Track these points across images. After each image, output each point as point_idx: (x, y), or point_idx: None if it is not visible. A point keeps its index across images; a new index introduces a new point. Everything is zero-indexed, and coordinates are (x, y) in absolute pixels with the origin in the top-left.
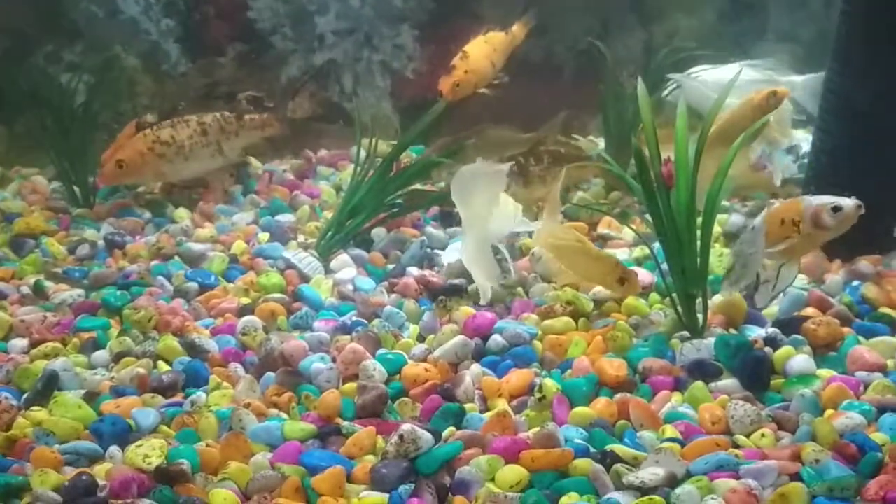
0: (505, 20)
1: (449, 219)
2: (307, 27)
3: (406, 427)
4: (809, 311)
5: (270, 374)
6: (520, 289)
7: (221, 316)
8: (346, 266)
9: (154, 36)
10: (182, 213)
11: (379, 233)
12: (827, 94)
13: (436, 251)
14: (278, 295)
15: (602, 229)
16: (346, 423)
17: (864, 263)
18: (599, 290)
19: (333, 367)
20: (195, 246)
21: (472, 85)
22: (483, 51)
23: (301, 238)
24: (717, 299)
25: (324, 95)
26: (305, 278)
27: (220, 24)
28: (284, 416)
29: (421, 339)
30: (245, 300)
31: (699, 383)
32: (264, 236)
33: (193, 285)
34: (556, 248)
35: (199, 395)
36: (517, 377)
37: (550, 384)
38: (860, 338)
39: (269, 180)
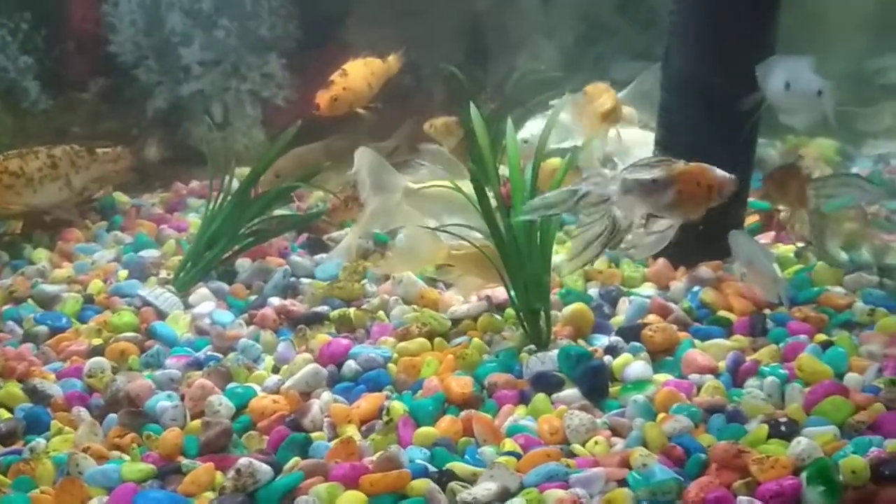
0: (372, 48)
1: (317, 246)
2: (172, 59)
3: (243, 461)
4: (651, 317)
5: (114, 416)
6: (381, 312)
7: (70, 359)
8: (205, 300)
9: (12, 73)
10: (41, 254)
11: (243, 263)
12: (664, 77)
13: (301, 279)
14: (131, 334)
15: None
16: (186, 461)
17: (705, 269)
18: (456, 308)
19: (179, 405)
20: (48, 287)
21: (349, 103)
22: (362, 72)
23: (163, 273)
24: (566, 311)
25: (172, 138)
26: (162, 315)
27: (80, 59)
28: (126, 457)
29: (276, 370)
30: (97, 341)
31: (542, 395)
32: (124, 274)
33: (44, 328)
34: (457, 258)
35: (39, 442)
36: (367, 402)
37: (398, 406)
38: (696, 341)
39: (136, 215)
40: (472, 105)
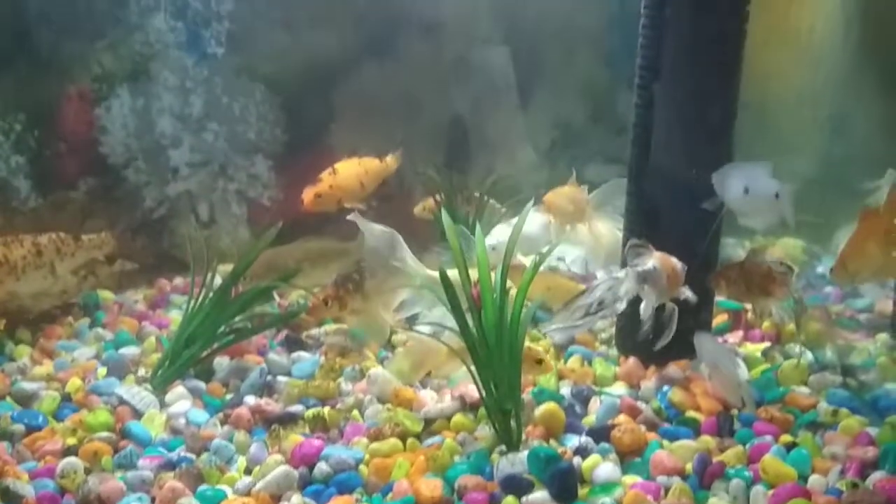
0: (355, 151)
1: (294, 344)
2: (161, 160)
3: None
4: (621, 417)
5: None
6: (355, 412)
7: (44, 458)
8: (181, 398)
9: (3, 172)
10: (22, 351)
11: (221, 362)
12: (628, 183)
13: (278, 377)
14: (105, 433)
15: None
16: None
17: (674, 368)
18: (430, 408)
19: None
20: (27, 385)
21: (336, 200)
22: (354, 170)
23: (142, 371)
24: (538, 411)
25: (148, 243)
26: (138, 414)
27: (72, 159)
28: None
29: (248, 471)
30: (71, 440)
31: (511, 498)
32: (103, 371)
33: (20, 427)
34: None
35: None
36: None
37: None
38: (664, 442)
39: (118, 311)
40: (443, 211)
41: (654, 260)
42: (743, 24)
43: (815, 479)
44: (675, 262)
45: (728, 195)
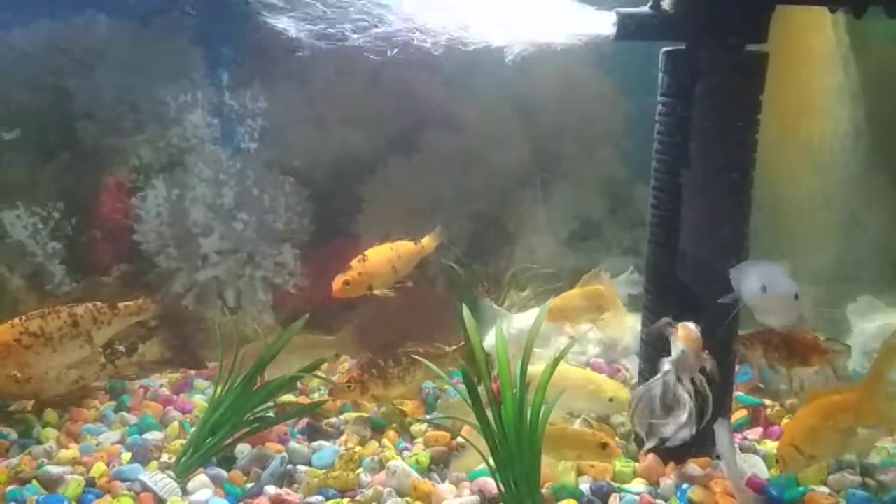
0: (382, 240)
1: (316, 433)
2: (192, 247)
3: None
4: None
5: None
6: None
7: None
8: (203, 487)
9: (40, 258)
10: (49, 433)
11: (243, 449)
12: (646, 279)
13: (298, 466)
14: None
15: (464, 437)
16: None
17: (693, 466)
18: (449, 502)
19: None
20: (53, 469)
21: (365, 286)
22: (385, 256)
23: (165, 457)
24: None
25: (172, 339)
26: (161, 501)
27: (106, 245)
28: None
29: None
30: None
31: None
32: (127, 456)
33: None
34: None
35: None
36: None
37: None
38: None
39: (143, 395)
40: (463, 307)
41: (681, 343)
42: (755, 133)
43: None
44: (692, 327)
45: (746, 292)
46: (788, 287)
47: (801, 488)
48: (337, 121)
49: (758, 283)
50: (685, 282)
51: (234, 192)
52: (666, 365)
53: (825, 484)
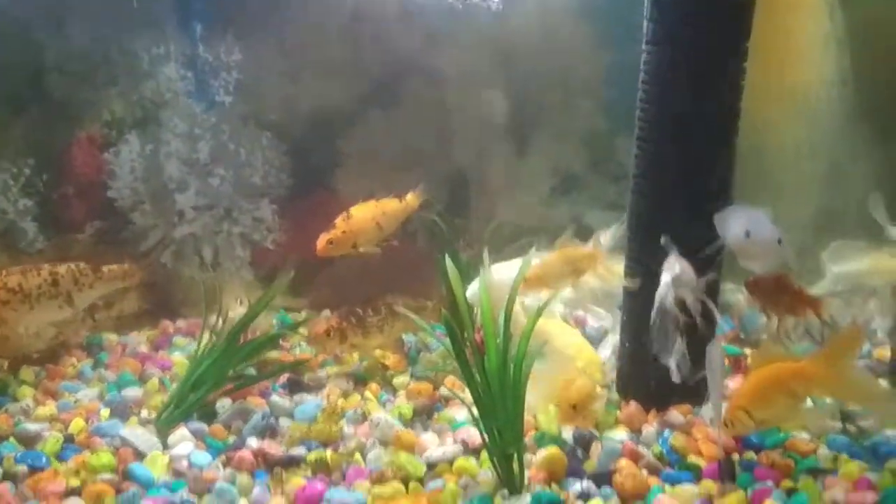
0: (360, 194)
1: (297, 386)
2: (167, 203)
3: None
4: (623, 462)
5: None
6: (357, 455)
7: (46, 499)
8: (184, 440)
9: (11, 215)
10: (25, 391)
11: (224, 404)
12: (628, 229)
13: (280, 420)
14: (108, 475)
15: (444, 390)
16: None
17: (676, 413)
18: (432, 451)
19: None
20: (31, 426)
21: (349, 244)
22: (370, 213)
23: (145, 413)
24: (540, 455)
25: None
26: (141, 455)
27: (79, 202)
28: None
29: None
30: (74, 482)
31: None
32: (106, 412)
33: (23, 467)
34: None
35: None
36: None
37: None
38: (666, 486)
39: (121, 352)
40: (446, 257)
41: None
42: (741, 80)
43: None
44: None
45: (730, 237)
46: (772, 232)
47: (781, 434)
48: (314, 73)
49: (742, 229)
50: (669, 231)
51: (209, 147)
52: (666, 276)
53: (806, 430)
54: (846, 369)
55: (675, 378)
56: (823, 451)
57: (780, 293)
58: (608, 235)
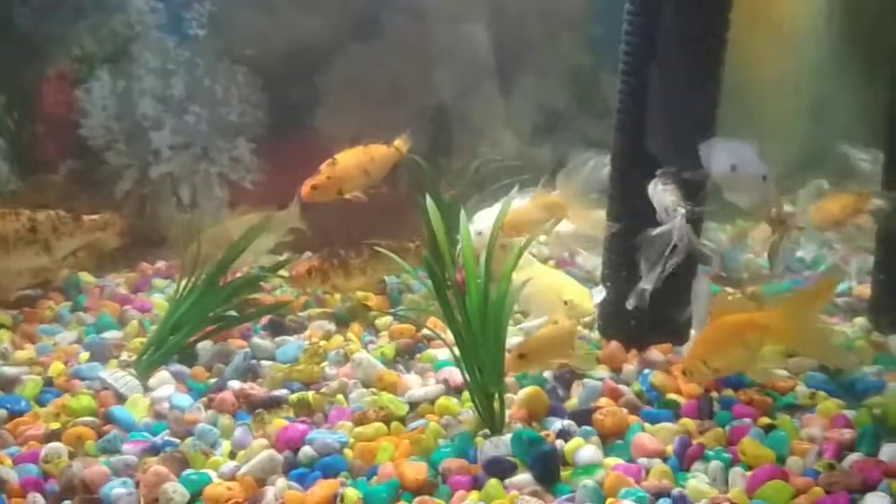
0: (339, 133)
1: (279, 328)
2: (142, 142)
3: None
4: (602, 401)
5: (69, 503)
6: (340, 396)
7: (27, 443)
8: (165, 383)
9: None
10: (3, 335)
11: (205, 346)
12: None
13: (262, 362)
14: (89, 418)
15: (426, 330)
16: None
17: (655, 352)
18: (414, 391)
19: (134, 493)
20: (9, 369)
21: (334, 190)
22: (356, 159)
23: (125, 355)
24: (521, 394)
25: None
26: (121, 398)
27: (51, 141)
28: None
29: (233, 455)
30: (54, 425)
31: (494, 480)
32: (85, 356)
33: (2, 412)
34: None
35: None
36: (322, 488)
37: (352, 493)
38: (645, 425)
39: (99, 295)
40: (427, 196)
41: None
42: (727, 12)
43: (792, 461)
44: None
45: (715, 170)
46: (757, 168)
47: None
48: (290, 5)
49: (728, 162)
50: (652, 167)
51: (183, 84)
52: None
53: (784, 368)
54: (804, 323)
55: (629, 304)
56: (801, 388)
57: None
58: (581, 179)
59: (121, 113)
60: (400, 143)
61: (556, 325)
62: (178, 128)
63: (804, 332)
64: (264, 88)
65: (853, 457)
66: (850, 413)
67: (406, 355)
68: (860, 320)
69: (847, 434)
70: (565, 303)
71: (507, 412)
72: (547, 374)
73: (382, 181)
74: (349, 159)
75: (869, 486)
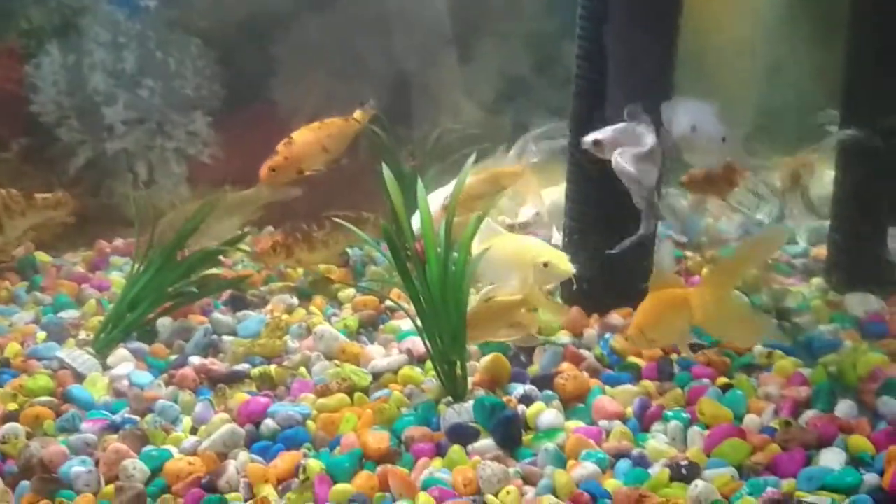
0: (298, 106)
1: (240, 303)
2: (95, 118)
3: None
4: (565, 365)
5: (27, 483)
6: (302, 368)
7: None
8: (124, 361)
9: None
10: None
11: (164, 323)
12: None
13: (223, 337)
14: (46, 398)
15: (390, 301)
16: None
17: (616, 316)
18: (377, 362)
19: (93, 471)
20: None
21: (293, 170)
22: (313, 136)
23: (83, 334)
24: (483, 361)
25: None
26: (80, 377)
27: (1, 118)
28: None
29: (194, 431)
30: (12, 406)
31: (457, 447)
32: (42, 335)
33: None
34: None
35: None
36: (284, 460)
37: (314, 464)
38: (606, 388)
39: (56, 274)
40: (383, 166)
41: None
42: None
43: (749, 419)
44: None
45: (675, 130)
46: (716, 129)
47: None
48: None
49: (688, 123)
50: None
51: (135, 57)
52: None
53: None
54: (721, 303)
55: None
56: (758, 347)
57: (711, 179)
58: (531, 149)
59: (72, 88)
60: (359, 114)
61: (504, 298)
62: (131, 102)
63: (717, 314)
64: (219, 61)
65: (809, 414)
66: (806, 371)
67: (370, 327)
68: (817, 281)
69: (803, 392)
70: (544, 265)
71: (471, 380)
72: (510, 341)
73: (342, 155)
74: (306, 137)
75: (824, 442)
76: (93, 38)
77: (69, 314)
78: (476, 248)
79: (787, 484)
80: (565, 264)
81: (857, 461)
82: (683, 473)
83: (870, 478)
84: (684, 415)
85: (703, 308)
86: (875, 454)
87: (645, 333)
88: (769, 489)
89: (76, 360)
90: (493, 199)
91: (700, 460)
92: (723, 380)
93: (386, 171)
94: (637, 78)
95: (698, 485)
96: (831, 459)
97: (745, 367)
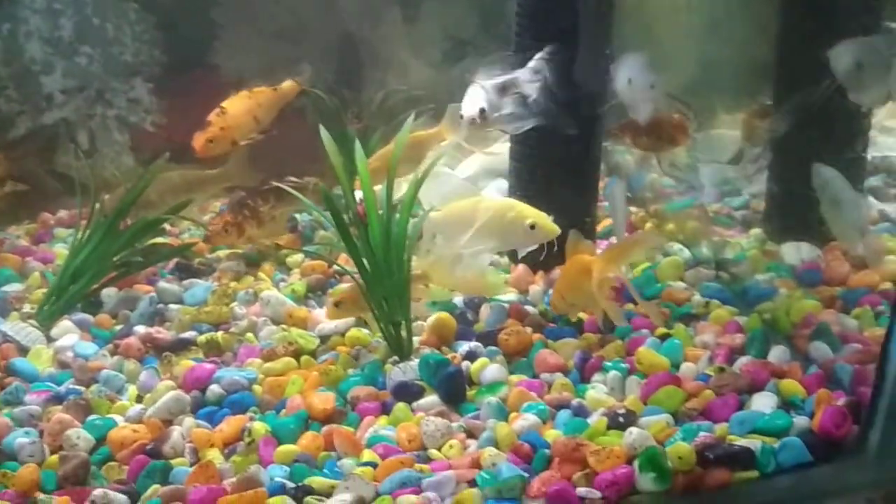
0: (241, 70)
1: (187, 271)
2: (32, 87)
3: (97, 492)
4: (509, 322)
5: None
6: (249, 334)
7: None
8: (68, 332)
9: None
10: None
11: (109, 293)
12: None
13: (169, 306)
14: None
15: (339, 265)
16: (43, 497)
17: (559, 272)
18: (325, 325)
19: (37, 441)
20: None
21: (228, 140)
22: (244, 106)
23: (27, 307)
24: (429, 320)
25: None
26: (24, 350)
27: None
28: None
29: (140, 399)
30: None
31: (402, 404)
32: None
33: None
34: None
35: None
36: (230, 425)
37: (259, 426)
38: (549, 342)
39: None
40: (321, 128)
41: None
42: None
43: (686, 367)
44: None
45: (616, 85)
46: (645, 77)
47: (658, 285)
48: None
49: (624, 77)
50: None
51: (72, 24)
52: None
53: (682, 279)
54: (607, 276)
55: None
56: (696, 297)
57: (653, 131)
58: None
59: (7, 57)
60: (288, 84)
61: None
62: (69, 70)
63: (598, 285)
64: (158, 25)
65: (743, 359)
66: (741, 319)
67: (318, 291)
68: (755, 231)
69: (738, 339)
70: (531, 227)
71: (418, 339)
72: (457, 299)
73: (272, 125)
74: (238, 106)
75: (757, 387)
76: (26, 4)
77: (12, 288)
78: (441, 207)
79: (719, 428)
80: (551, 225)
81: (788, 405)
82: (620, 421)
83: (800, 420)
84: (623, 365)
85: (598, 276)
86: (806, 397)
87: (565, 298)
88: (702, 433)
89: (19, 334)
90: (416, 163)
91: (637, 408)
92: (661, 330)
93: (324, 134)
94: (574, 34)
95: (633, 432)
96: (763, 404)
97: (683, 317)
